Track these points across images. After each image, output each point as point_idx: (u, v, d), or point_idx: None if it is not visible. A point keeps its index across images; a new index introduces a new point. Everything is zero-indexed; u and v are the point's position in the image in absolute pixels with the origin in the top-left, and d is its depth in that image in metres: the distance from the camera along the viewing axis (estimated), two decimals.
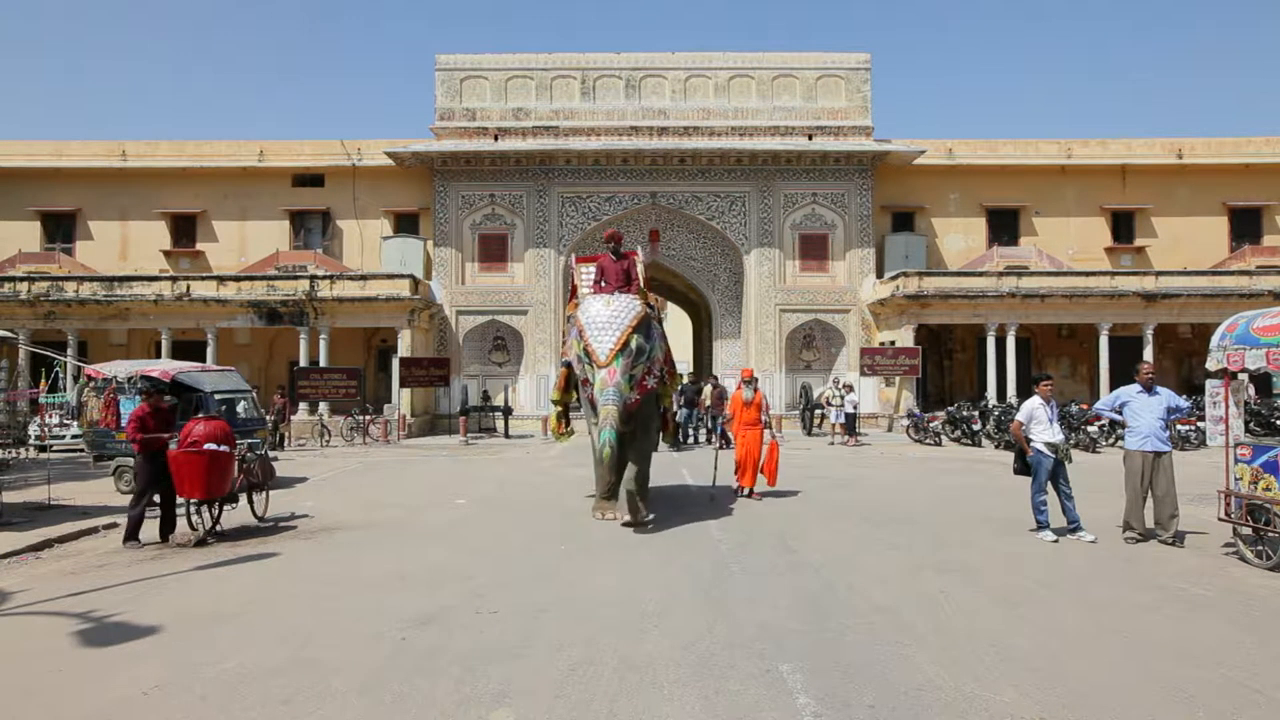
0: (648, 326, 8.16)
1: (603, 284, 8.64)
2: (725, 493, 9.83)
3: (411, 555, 6.74)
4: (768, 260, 23.30)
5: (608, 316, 7.83)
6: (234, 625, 4.82)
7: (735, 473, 9.92)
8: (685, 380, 22.00)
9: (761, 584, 5.65)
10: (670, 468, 12.61)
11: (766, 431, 9.92)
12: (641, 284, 8.74)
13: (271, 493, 8.86)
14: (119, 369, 12.32)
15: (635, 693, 3.68)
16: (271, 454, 10.68)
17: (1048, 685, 3.74)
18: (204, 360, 20.03)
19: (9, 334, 13.86)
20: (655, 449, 9.71)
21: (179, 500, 7.67)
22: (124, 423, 11.08)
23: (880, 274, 23.20)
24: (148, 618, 4.92)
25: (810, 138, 23.10)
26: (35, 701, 3.71)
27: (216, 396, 11.37)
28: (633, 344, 7.72)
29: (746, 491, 9.67)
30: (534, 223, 23.39)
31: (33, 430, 15.73)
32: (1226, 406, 6.63)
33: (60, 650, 4.39)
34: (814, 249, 23.51)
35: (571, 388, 9.06)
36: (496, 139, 23.08)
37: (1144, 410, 7.08)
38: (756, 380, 10.32)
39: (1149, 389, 7.14)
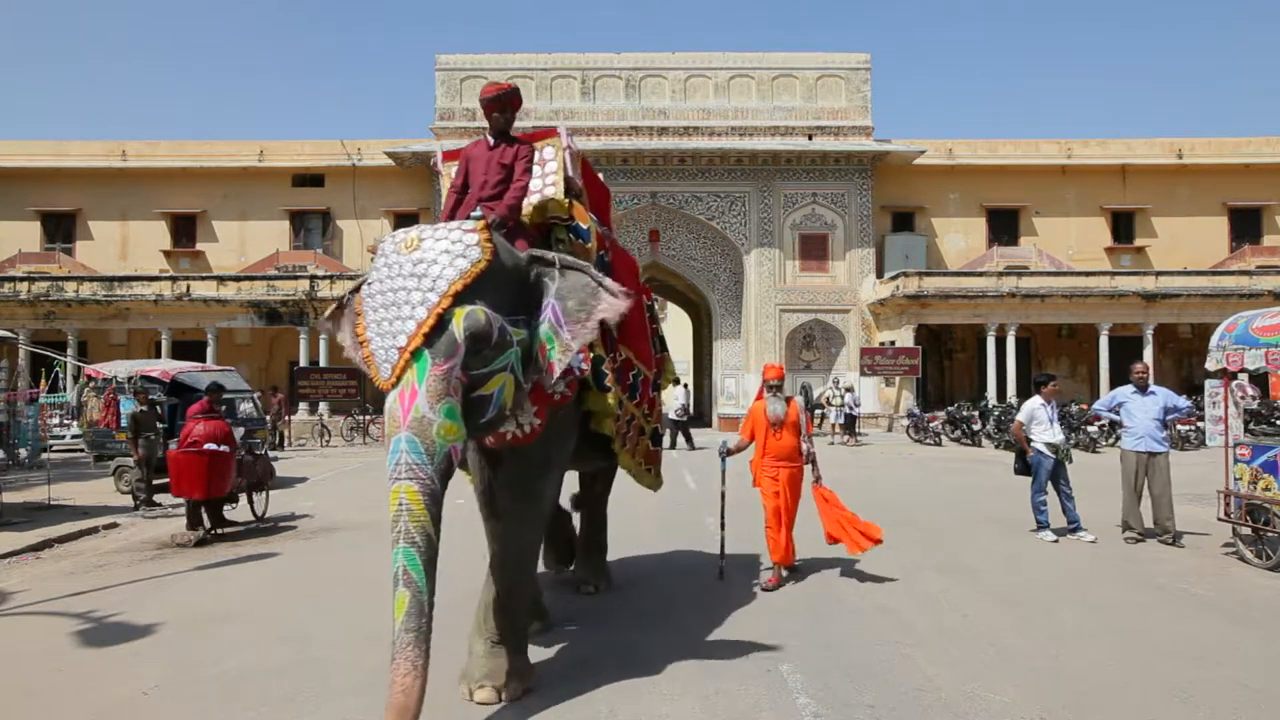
0: (518, 288, 3.61)
1: (468, 198, 4.15)
2: (743, 577, 5.86)
3: None
4: (768, 260, 23.30)
5: (405, 276, 3.32)
6: (234, 625, 4.82)
7: (768, 543, 5.81)
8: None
9: (761, 583, 5.64)
10: (671, 472, 12.51)
11: (807, 470, 5.86)
12: (553, 194, 4.23)
13: (271, 493, 8.86)
14: (119, 369, 12.33)
15: (635, 693, 3.68)
16: (271, 454, 10.68)
17: (1048, 685, 3.74)
18: (204, 360, 20.03)
19: (9, 334, 13.86)
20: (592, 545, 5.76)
21: (178, 500, 7.68)
22: (124, 423, 11.11)
23: (880, 274, 23.19)
24: (148, 618, 4.91)
25: (810, 138, 23.10)
26: (35, 701, 3.71)
27: None
28: (456, 331, 3.21)
29: (785, 572, 5.76)
30: None
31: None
32: (1226, 406, 6.63)
33: (60, 650, 4.39)
34: (814, 249, 23.50)
35: None
36: None
37: (1139, 411, 7.12)
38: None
39: (1143, 389, 7.18)
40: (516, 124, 4.29)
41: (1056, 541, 6.99)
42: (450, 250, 3.33)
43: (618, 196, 23.18)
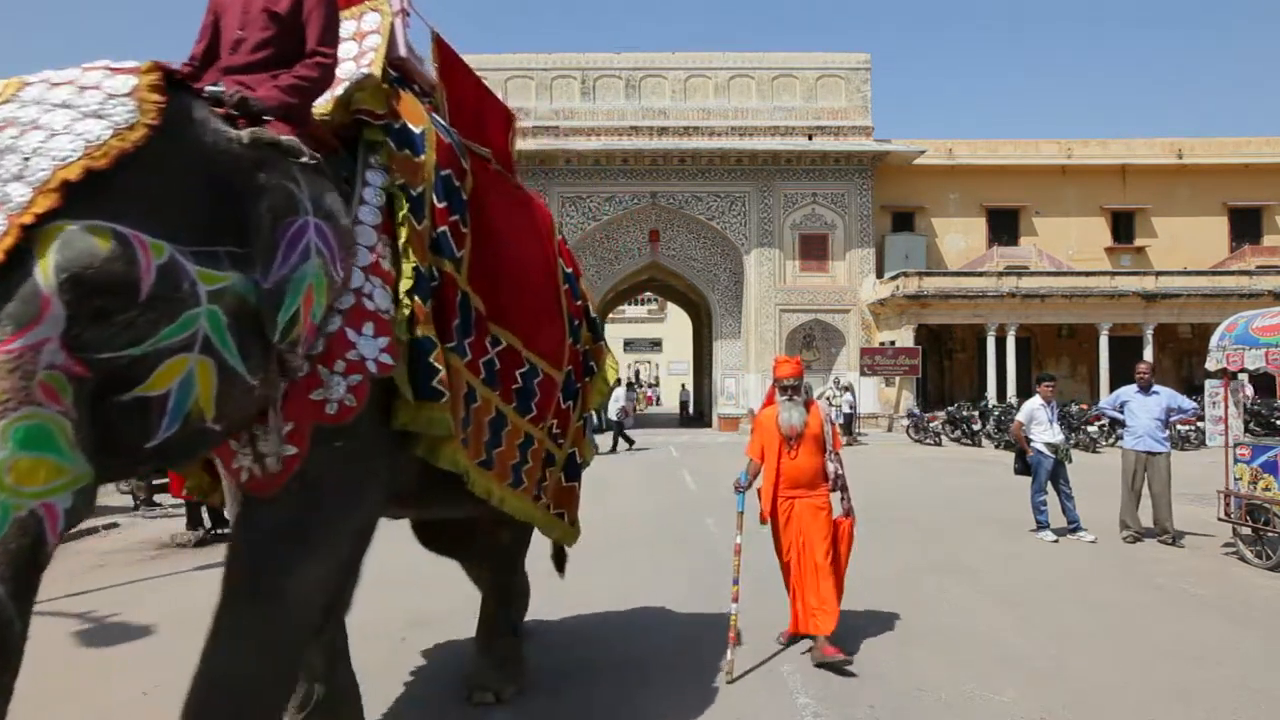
0: (222, 194, 1.83)
1: (209, 74, 2.27)
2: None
3: (411, 555, 6.72)
4: (768, 260, 23.29)
5: None
6: None
7: (790, 604, 4.26)
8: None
9: (762, 584, 5.64)
10: (670, 473, 12.47)
11: (834, 499, 4.28)
12: (367, 74, 2.52)
13: None
14: None
15: (635, 693, 3.68)
16: None
17: (1048, 685, 3.74)
18: None
19: None
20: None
21: (178, 500, 7.68)
22: None
23: (880, 274, 23.18)
24: (148, 618, 4.91)
25: (810, 138, 23.09)
26: (35, 701, 3.70)
27: None
28: (39, 273, 1.47)
29: (809, 647, 4.06)
30: None
31: None
32: (1226, 406, 6.64)
33: (60, 650, 4.39)
34: (814, 249, 23.49)
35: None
36: None
37: (1140, 410, 7.15)
38: (808, 388, 4.46)
39: (1145, 389, 7.20)
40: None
41: (1056, 541, 6.99)
42: (72, 106, 1.66)
43: (618, 196, 23.15)
